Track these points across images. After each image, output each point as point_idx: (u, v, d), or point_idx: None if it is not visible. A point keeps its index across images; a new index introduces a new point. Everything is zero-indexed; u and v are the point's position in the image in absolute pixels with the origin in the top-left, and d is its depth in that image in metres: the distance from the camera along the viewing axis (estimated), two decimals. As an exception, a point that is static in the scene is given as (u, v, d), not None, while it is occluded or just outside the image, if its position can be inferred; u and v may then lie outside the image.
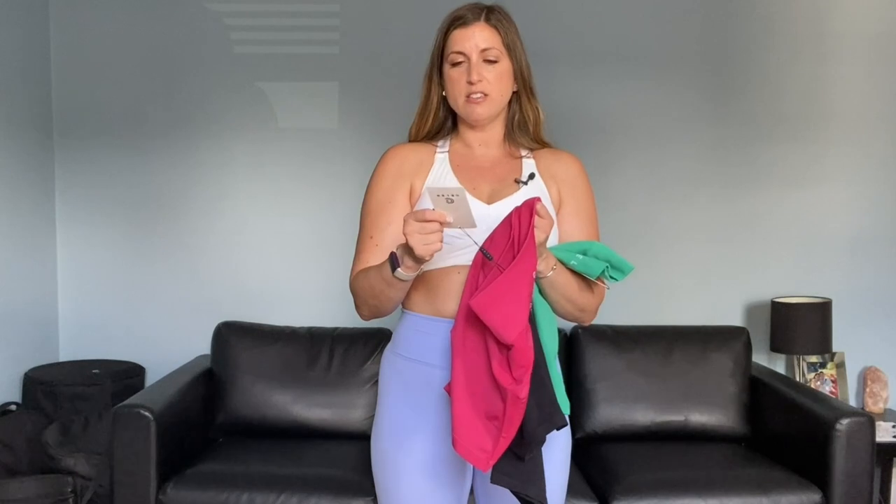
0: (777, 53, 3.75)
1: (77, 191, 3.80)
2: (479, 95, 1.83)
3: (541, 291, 1.76)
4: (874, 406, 3.65)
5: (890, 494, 3.51)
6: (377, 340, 3.40)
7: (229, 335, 3.44)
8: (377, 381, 1.98)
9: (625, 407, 3.33)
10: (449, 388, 1.69)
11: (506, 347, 1.60)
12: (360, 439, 3.08)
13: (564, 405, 1.73)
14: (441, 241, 1.60)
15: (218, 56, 3.76)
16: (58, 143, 3.78)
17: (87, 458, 3.05)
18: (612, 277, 1.77)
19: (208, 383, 3.37)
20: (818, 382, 3.68)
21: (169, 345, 3.70)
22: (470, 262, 1.74)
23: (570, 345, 3.42)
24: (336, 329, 3.51)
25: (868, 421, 2.88)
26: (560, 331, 1.84)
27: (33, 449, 3.16)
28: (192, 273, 3.79)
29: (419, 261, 1.63)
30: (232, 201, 3.80)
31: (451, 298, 1.78)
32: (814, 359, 3.70)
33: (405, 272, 1.68)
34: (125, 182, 3.79)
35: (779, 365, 3.79)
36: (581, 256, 1.76)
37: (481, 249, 1.69)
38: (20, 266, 3.56)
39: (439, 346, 1.78)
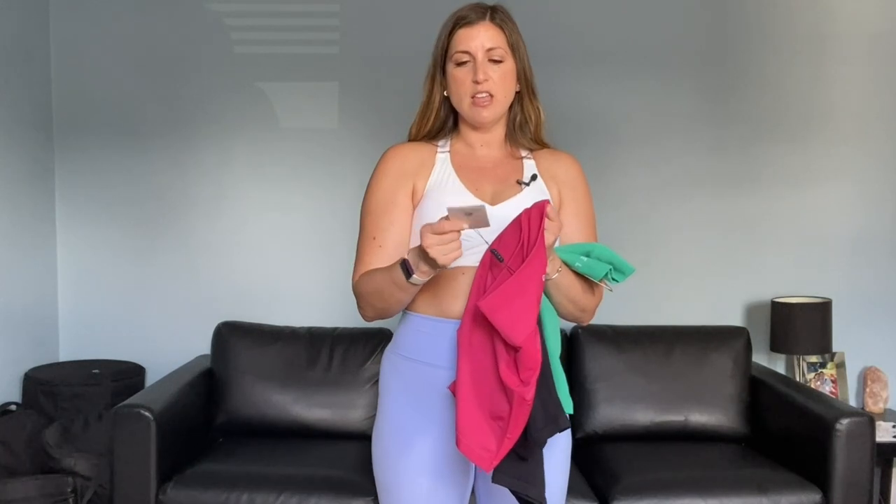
0: (777, 53, 3.75)
1: (77, 191, 3.80)
2: (484, 96, 1.83)
3: (546, 293, 1.77)
4: (874, 406, 3.65)
5: (890, 494, 3.51)
6: (377, 340, 3.40)
7: (229, 335, 3.44)
8: (377, 381, 1.98)
9: (625, 407, 3.33)
10: (453, 388, 1.69)
11: (513, 349, 1.61)
12: (360, 439, 3.08)
13: (568, 405, 1.74)
14: (460, 248, 1.62)
15: (218, 56, 3.76)
16: (58, 143, 3.78)
17: (87, 458, 3.05)
18: (613, 279, 1.79)
19: (208, 383, 3.37)
20: (818, 382, 3.68)
21: (169, 345, 3.70)
22: (475, 264, 1.74)
23: (570, 345, 3.42)
24: (336, 329, 3.51)
25: (868, 421, 2.88)
26: (560, 331, 1.85)
27: (33, 449, 3.16)
28: (192, 273, 3.79)
29: (437, 267, 1.64)
30: (232, 201, 3.80)
31: (455, 299, 1.78)
32: (814, 359, 3.70)
33: (421, 277, 1.68)
34: (125, 182, 3.79)
35: (779, 365, 3.79)
36: (585, 258, 1.78)
37: (491, 250, 1.69)
38: (20, 266, 3.56)
39: (443, 346, 1.78)
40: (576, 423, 3.24)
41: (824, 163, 3.77)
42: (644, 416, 3.32)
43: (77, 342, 3.80)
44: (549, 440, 1.70)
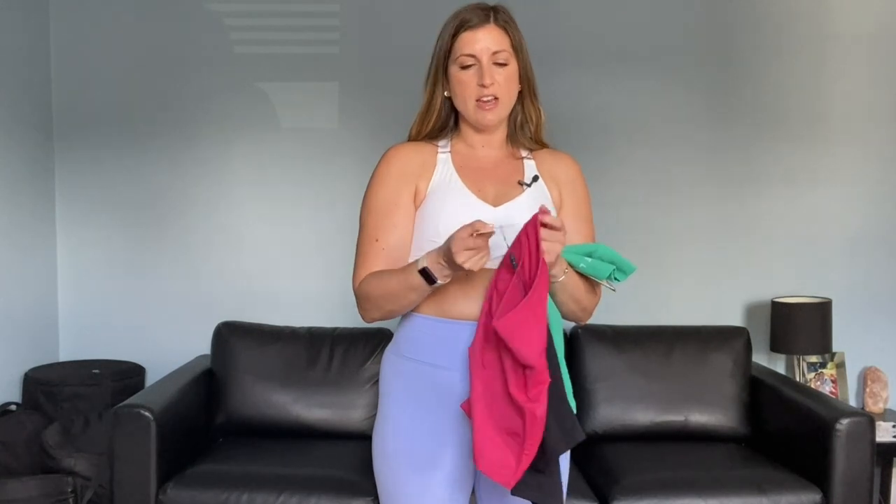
0: (777, 53, 3.75)
1: (77, 191, 3.80)
2: (489, 99, 1.83)
3: (550, 293, 1.77)
4: (874, 406, 3.65)
5: (890, 494, 3.51)
6: (377, 340, 3.40)
7: (229, 335, 3.44)
8: (377, 381, 1.98)
9: (625, 407, 3.33)
10: (467, 407, 1.70)
11: (522, 367, 1.62)
12: (360, 439, 3.08)
13: (571, 404, 1.75)
14: (489, 253, 1.65)
15: (218, 56, 3.76)
16: (58, 143, 3.78)
17: (87, 458, 3.05)
18: (615, 279, 1.81)
19: (208, 383, 3.37)
20: (818, 382, 3.68)
21: (169, 345, 3.70)
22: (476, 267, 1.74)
23: (571, 345, 3.42)
24: (336, 329, 3.50)
25: (868, 421, 2.88)
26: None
27: (33, 449, 3.16)
28: (192, 273, 3.79)
29: (462, 270, 1.66)
30: (232, 201, 3.80)
31: (458, 300, 1.79)
32: (814, 359, 3.70)
33: (444, 280, 1.71)
34: (125, 182, 3.79)
35: (779, 365, 3.79)
36: (589, 259, 1.79)
37: (510, 256, 1.68)
38: (20, 266, 3.56)
39: (445, 347, 1.78)
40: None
41: (824, 163, 3.77)
42: (644, 416, 3.32)
43: (77, 342, 3.80)
44: None
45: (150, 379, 3.61)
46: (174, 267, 3.80)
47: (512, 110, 1.91)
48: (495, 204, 1.83)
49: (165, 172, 3.78)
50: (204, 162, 3.78)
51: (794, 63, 3.75)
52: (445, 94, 1.89)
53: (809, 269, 3.77)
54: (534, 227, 1.64)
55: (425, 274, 1.71)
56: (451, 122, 1.93)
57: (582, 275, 1.81)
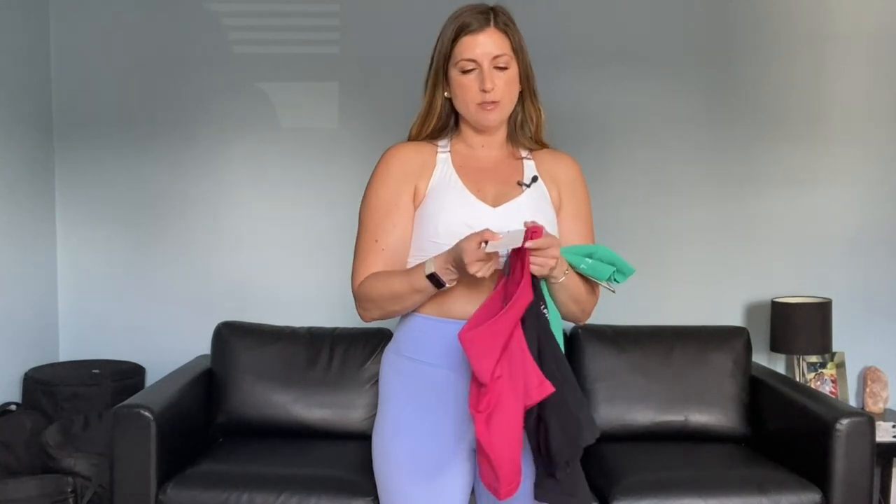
0: (777, 53, 3.75)
1: (77, 191, 3.80)
2: (491, 105, 1.83)
3: (550, 294, 1.79)
4: (874, 406, 3.65)
5: (890, 494, 3.51)
6: (377, 340, 3.40)
7: (229, 335, 3.44)
8: (377, 381, 1.98)
9: (625, 407, 3.33)
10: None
11: (478, 383, 1.64)
12: (360, 439, 3.07)
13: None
14: (498, 260, 1.69)
15: (218, 56, 3.76)
16: (58, 143, 3.78)
17: (87, 458, 3.05)
18: (615, 280, 1.82)
19: (208, 383, 3.37)
20: (818, 382, 3.68)
21: (169, 345, 3.70)
22: None
23: (571, 345, 3.42)
24: (336, 329, 3.50)
25: (868, 421, 2.88)
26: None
27: (33, 449, 3.16)
28: (192, 273, 3.79)
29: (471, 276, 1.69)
30: (232, 201, 3.80)
31: (458, 300, 1.79)
32: (814, 359, 3.70)
33: (451, 283, 1.74)
34: (125, 182, 3.79)
35: (779, 365, 3.79)
36: (589, 261, 1.80)
37: (513, 255, 1.70)
38: (20, 266, 3.56)
39: (445, 346, 1.78)
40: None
41: (824, 163, 3.77)
42: (644, 416, 3.32)
43: (77, 342, 3.80)
44: None
45: (150, 379, 3.61)
46: (174, 267, 3.80)
47: (512, 110, 1.91)
48: (494, 204, 1.83)
49: (165, 172, 3.78)
50: (204, 162, 3.78)
51: (794, 63, 3.75)
52: (446, 94, 1.89)
53: (809, 269, 3.77)
54: (523, 252, 1.67)
55: (433, 279, 1.73)
56: (452, 123, 1.93)
57: (582, 276, 1.82)
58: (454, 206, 1.82)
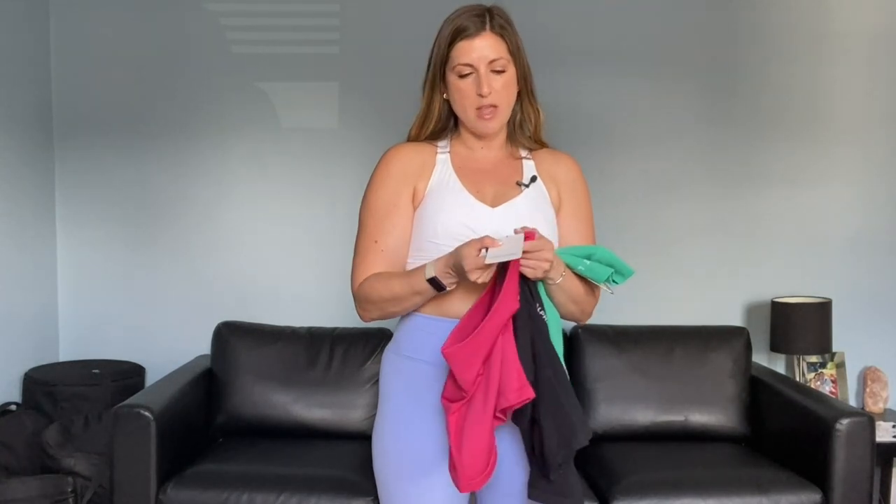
0: (777, 53, 3.75)
1: (77, 191, 3.80)
2: (489, 109, 1.83)
3: (548, 294, 1.79)
4: (874, 406, 3.65)
5: (890, 494, 3.51)
6: (377, 340, 3.40)
7: (229, 335, 3.44)
8: (377, 381, 1.98)
9: (625, 407, 3.33)
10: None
11: (458, 387, 1.68)
12: (360, 439, 3.08)
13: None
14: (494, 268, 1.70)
15: (218, 56, 3.75)
16: (58, 143, 3.78)
17: (87, 458, 3.05)
18: (613, 281, 1.83)
19: (208, 383, 3.37)
20: (818, 382, 3.68)
21: (169, 345, 3.70)
22: None
23: (571, 345, 3.42)
24: (336, 329, 3.50)
25: (868, 421, 2.88)
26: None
27: (33, 449, 3.16)
28: (192, 273, 3.79)
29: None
30: (232, 201, 3.80)
31: (457, 300, 1.80)
32: (814, 359, 3.70)
33: (451, 287, 1.76)
34: (125, 182, 3.78)
35: (779, 365, 3.79)
36: (587, 262, 1.81)
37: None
38: (20, 266, 3.56)
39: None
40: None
41: (824, 163, 3.77)
42: (644, 416, 3.32)
43: (77, 342, 3.80)
44: None
45: (150, 379, 3.61)
46: (174, 267, 3.80)
47: (510, 112, 1.91)
48: (493, 205, 1.83)
49: (165, 172, 3.78)
50: (204, 162, 3.78)
51: (794, 63, 3.75)
52: (444, 96, 1.89)
53: (809, 269, 3.77)
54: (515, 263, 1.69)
55: (434, 282, 1.74)
56: (451, 124, 1.93)
57: (581, 277, 1.82)
58: (453, 207, 1.82)
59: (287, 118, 3.78)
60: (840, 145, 3.77)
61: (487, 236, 1.67)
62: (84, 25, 3.75)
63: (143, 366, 3.67)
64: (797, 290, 3.71)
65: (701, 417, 3.32)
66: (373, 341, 3.41)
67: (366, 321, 1.91)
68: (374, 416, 1.95)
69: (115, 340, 3.77)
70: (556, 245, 1.82)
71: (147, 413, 2.81)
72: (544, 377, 1.67)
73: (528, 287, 1.71)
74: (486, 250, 1.65)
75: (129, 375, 3.55)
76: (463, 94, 1.83)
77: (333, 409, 3.33)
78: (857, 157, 3.77)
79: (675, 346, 3.43)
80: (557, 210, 1.91)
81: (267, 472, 2.93)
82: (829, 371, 3.70)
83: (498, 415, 1.67)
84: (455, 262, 1.70)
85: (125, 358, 3.70)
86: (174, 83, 3.77)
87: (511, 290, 1.67)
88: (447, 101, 1.89)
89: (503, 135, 1.93)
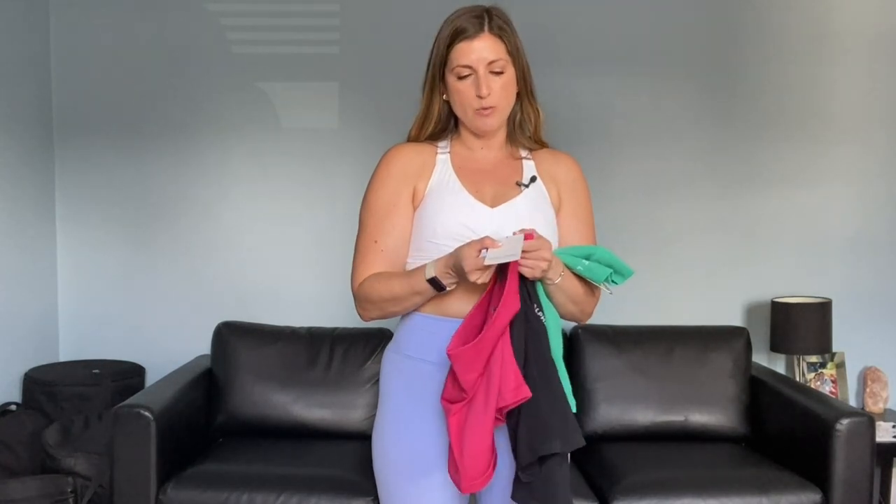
0: (777, 53, 3.75)
1: (77, 191, 3.80)
2: (488, 109, 1.83)
3: (547, 294, 1.79)
4: (874, 406, 3.65)
5: (890, 494, 3.51)
6: (377, 340, 3.40)
7: (229, 335, 3.44)
8: (377, 381, 1.98)
9: (625, 407, 3.33)
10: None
11: (454, 379, 1.69)
12: (360, 439, 3.08)
13: (571, 404, 1.76)
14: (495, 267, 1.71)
15: (218, 56, 3.75)
16: (58, 143, 3.78)
17: (87, 458, 3.05)
18: (613, 282, 1.82)
19: (208, 383, 3.37)
20: (818, 382, 3.68)
21: (169, 345, 3.70)
22: None
23: (571, 345, 3.42)
24: (336, 329, 3.50)
25: (868, 421, 2.88)
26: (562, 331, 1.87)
27: (33, 449, 3.16)
28: (192, 273, 3.79)
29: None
30: (232, 201, 3.80)
31: (456, 300, 1.80)
32: (814, 359, 3.70)
33: (451, 287, 1.76)
34: (125, 182, 3.79)
35: (779, 365, 3.79)
36: (586, 262, 1.81)
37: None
38: (20, 266, 3.56)
39: (444, 345, 1.77)
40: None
41: (824, 163, 3.77)
42: (644, 416, 3.32)
43: (77, 342, 3.80)
44: None
45: (150, 379, 3.61)
46: (174, 267, 3.80)
47: (510, 112, 1.91)
48: (493, 205, 1.84)
49: (166, 172, 3.78)
50: (204, 162, 3.78)
51: (794, 63, 3.75)
52: (444, 97, 1.89)
53: (809, 269, 3.77)
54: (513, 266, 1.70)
55: (434, 283, 1.75)
56: (451, 124, 1.94)
57: (580, 277, 1.82)
58: (452, 207, 1.82)
59: (287, 118, 3.78)
60: (840, 145, 3.77)
61: (487, 237, 1.68)
62: (84, 25, 3.75)
63: (143, 366, 3.67)
64: (797, 290, 3.71)
65: (701, 417, 3.32)
66: (373, 341, 3.41)
67: (366, 321, 1.92)
68: (374, 416, 1.96)
69: (115, 340, 3.77)
70: (555, 245, 1.82)
71: (147, 413, 2.81)
72: (529, 378, 1.67)
73: (527, 288, 1.71)
74: (486, 251, 1.65)
75: (129, 375, 3.55)
76: (462, 95, 1.84)
77: (333, 409, 3.33)
78: (857, 157, 3.77)
79: (675, 346, 3.43)
80: (557, 210, 1.91)
81: (267, 472, 2.93)
82: (829, 371, 3.70)
83: (497, 415, 1.68)
84: (455, 263, 1.70)
85: (125, 358, 3.70)
86: (174, 83, 3.77)
87: (512, 292, 1.67)
88: (447, 102, 1.89)
89: (503, 135, 1.93)
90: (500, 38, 1.83)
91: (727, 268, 3.79)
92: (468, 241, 1.71)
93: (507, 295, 1.66)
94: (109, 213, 3.80)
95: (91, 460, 3.05)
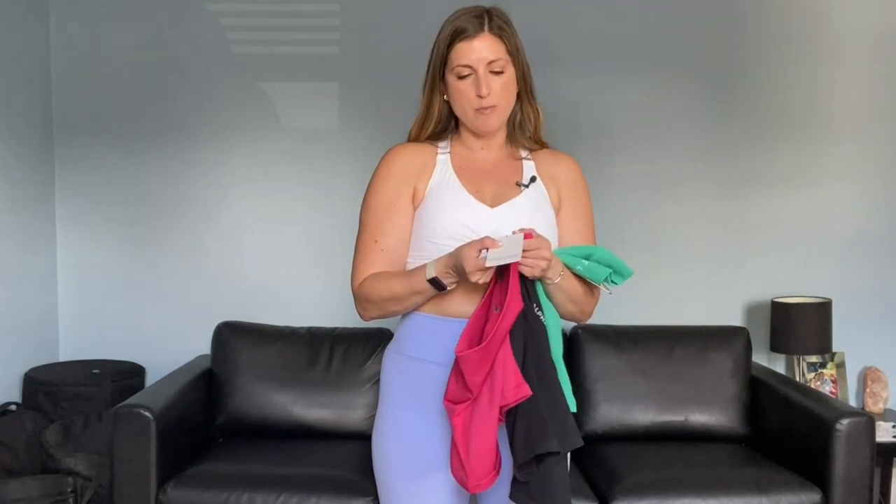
0: (777, 53, 3.75)
1: (77, 191, 3.80)
2: (488, 109, 1.83)
3: (547, 294, 1.80)
4: (874, 406, 3.65)
5: (890, 494, 3.51)
6: (377, 340, 3.40)
7: (229, 335, 3.44)
8: (377, 381, 1.99)
9: (625, 407, 3.33)
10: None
11: (458, 377, 1.70)
12: (360, 439, 3.08)
13: (570, 403, 1.76)
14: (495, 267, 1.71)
15: (218, 56, 3.76)
16: (58, 143, 3.78)
17: (87, 458, 3.05)
18: (612, 282, 1.82)
19: (208, 383, 3.37)
20: (818, 382, 3.68)
21: (169, 345, 3.70)
22: None
23: (571, 345, 3.42)
24: (336, 329, 3.51)
25: (868, 421, 2.88)
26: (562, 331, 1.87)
27: (33, 449, 3.16)
28: (192, 273, 3.79)
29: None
30: (232, 201, 3.80)
31: (456, 299, 1.80)
32: (814, 359, 3.70)
33: (451, 287, 1.77)
34: (125, 182, 3.79)
35: (779, 365, 3.79)
36: (586, 262, 1.81)
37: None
38: (20, 266, 3.56)
39: (445, 344, 1.79)
40: (576, 422, 3.23)
41: (824, 163, 3.77)
42: (644, 416, 3.32)
43: (77, 342, 3.80)
44: None
45: (150, 379, 3.61)
46: (174, 267, 3.80)
47: (510, 112, 1.91)
48: (493, 205, 1.84)
49: (165, 172, 3.78)
50: (204, 162, 3.78)
51: (794, 63, 3.75)
52: (444, 97, 1.89)
53: (809, 269, 3.77)
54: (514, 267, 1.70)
55: (434, 282, 1.75)
56: (452, 124, 1.94)
57: (580, 277, 1.82)
58: (452, 207, 1.83)
59: (287, 118, 3.78)
60: (840, 145, 3.77)
61: (487, 237, 1.68)
62: (84, 25, 3.75)
63: (143, 366, 3.67)
64: (797, 290, 3.71)
65: (701, 417, 3.32)
66: (373, 341, 3.41)
67: (366, 320, 1.92)
68: (374, 416, 1.96)
69: (115, 340, 3.77)
70: (555, 246, 1.82)
71: (147, 413, 2.81)
72: (527, 377, 1.67)
73: (526, 287, 1.71)
74: (487, 251, 1.65)
75: (129, 375, 3.55)
76: (462, 95, 1.84)
77: (333, 409, 3.33)
78: (857, 157, 3.77)
79: (675, 346, 3.43)
80: (557, 210, 1.91)
81: (267, 472, 2.93)
82: (829, 371, 3.70)
83: (498, 414, 1.68)
84: (455, 263, 1.71)
85: (125, 358, 3.70)
86: (174, 83, 3.77)
87: (514, 292, 1.67)
88: (447, 103, 1.89)
89: (503, 135, 1.93)
90: (500, 37, 1.83)
91: (727, 268, 3.79)
92: (468, 240, 1.71)
93: (511, 296, 1.66)
94: (109, 213, 3.80)
95: (91, 460, 3.05)
